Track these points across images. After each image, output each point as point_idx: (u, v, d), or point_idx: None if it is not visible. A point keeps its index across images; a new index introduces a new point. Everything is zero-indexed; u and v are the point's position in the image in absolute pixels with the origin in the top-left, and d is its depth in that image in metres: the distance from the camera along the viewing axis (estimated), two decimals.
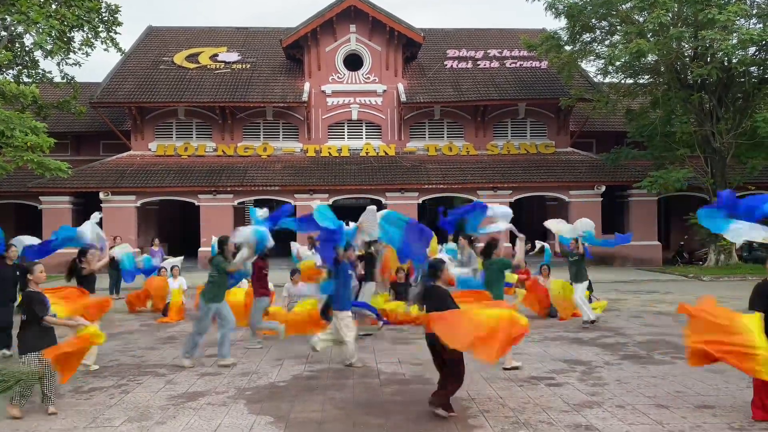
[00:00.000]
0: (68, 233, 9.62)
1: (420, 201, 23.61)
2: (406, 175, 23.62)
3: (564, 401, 6.55)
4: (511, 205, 23.70)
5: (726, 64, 19.78)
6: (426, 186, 23.29)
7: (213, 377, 7.75)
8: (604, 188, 23.56)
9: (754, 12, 19.91)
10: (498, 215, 9.52)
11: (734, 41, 18.45)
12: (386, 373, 7.87)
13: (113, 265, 14.14)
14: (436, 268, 6.46)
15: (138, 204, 23.06)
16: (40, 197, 22.93)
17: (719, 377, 7.42)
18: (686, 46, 20.58)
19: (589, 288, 12.94)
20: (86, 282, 8.42)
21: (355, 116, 25.94)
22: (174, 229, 27.39)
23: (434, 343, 6.05)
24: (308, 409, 6.39)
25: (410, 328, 11.06)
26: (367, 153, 25.21)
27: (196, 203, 23.19)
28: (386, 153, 25.21)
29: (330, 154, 25.14)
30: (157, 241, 16.46)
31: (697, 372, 7.69)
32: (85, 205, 23.91)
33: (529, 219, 29.04)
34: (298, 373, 7.95)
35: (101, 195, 22.58)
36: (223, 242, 8.56)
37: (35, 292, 6.45)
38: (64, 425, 5.97)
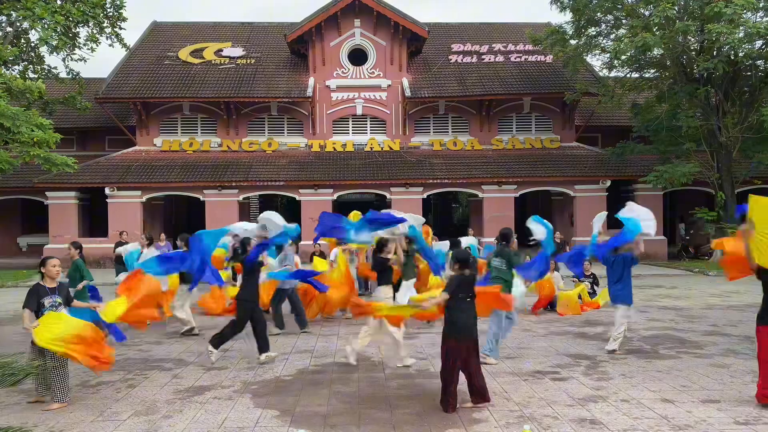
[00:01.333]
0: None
1: (425, 196, 23.60)
2: (410, 170, 23.61)
3: (569, 395, 6.56)
4: (516, 200, 23.79)
5: (732, 57, 19.65)
6: (430, 181, 23.28)
7: (219, 371, 7.79)
8: (609, 183, 23.51)
9: (761, 5, 19.75)
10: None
11: (741, 35, 18.32)
12: (391, 367, 7.89)
13: (119, 261, 14.16)
14: (467, 260, 6.35)
15: (143, 199, 23.13)
16: (46, 192, 23.03)
17: (725, 372, 7.42)
18: (692, 39, 20.48)
19: (595, 282, 13.00)
20: (386, 273, 8.42)
21: (359, 111, 25.92)
22: (180, 224, 27.48)
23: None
24: (314, 403, 6.41)
25: (417, 323, 11.08)
26: (371, 148, 25.20)
27: (202, 198, 23.25)
28: (391, 148, 25.20)
29: (334, 149, 25.15)
30: (163, 236, 16.46)
31: (703, 366, 7.70)
32: (91, 201, 24.05)
33: (535, 214, 28.99)
34: (304, 367, 7.99)
35: (107, 190, 22.68)
36: (508, 235, 8.34)
37: (41, 285, 6.57)
38: (72, 419, 6.02)
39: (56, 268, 6.64)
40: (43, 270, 6.62)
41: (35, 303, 6.46)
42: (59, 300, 6.54)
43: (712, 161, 21.50)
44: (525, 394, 6.64)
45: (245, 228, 10.92)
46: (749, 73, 20.69)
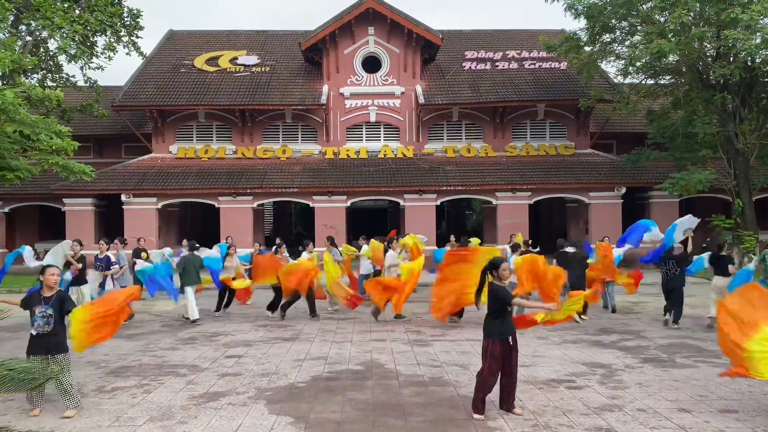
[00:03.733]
0: None
1: (438, 203, 23.57)
2: (424, 176, 23.59)
3: (584, 404, 6.51)
4: (530, 207, 23.68)
5: (749, 63, 19.44)
6: (444, 188, 23.25)
7: (233, 378, 7.82)
8: (624, 190, 23.33)
9: None
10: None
11: (758, 41, 18.13)
12: (405, 375, 7.88)
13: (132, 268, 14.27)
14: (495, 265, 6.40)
15: (159, 206, 23.31)
16: (63, 199, 23.30)
17: (743, 381, 7.31)
18: (708, 45, 20.29)
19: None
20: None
21: (373, 118, 25.97)
22: (195, 230, 27.69)
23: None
24: (328, 410, 6.42)
25: (428, 330, 11.08)
26: (385, 155, 25.23)
27: (217, 205, 23.40)
28: (404, 155, 25.21)
29: (348, 156, 25.21)
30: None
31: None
32: (107, 207, 24.31)
33: (549, 221, 28.87)
34: (318, 374, 8.00)
35: (123, 197, 22.89)
36: None
37: (64, 291, 6.66)
38: (88, 424, 6.07)
39: (54, 277, 6.53)
40: (41, 278, 6.53)
41: (30, 308, 6.48)
42: (50, 311, 6.35)
43: (729, 168, 21.23)
44: (540, 402, 6.60)
45: None
46: (766, 80, 20.46)
